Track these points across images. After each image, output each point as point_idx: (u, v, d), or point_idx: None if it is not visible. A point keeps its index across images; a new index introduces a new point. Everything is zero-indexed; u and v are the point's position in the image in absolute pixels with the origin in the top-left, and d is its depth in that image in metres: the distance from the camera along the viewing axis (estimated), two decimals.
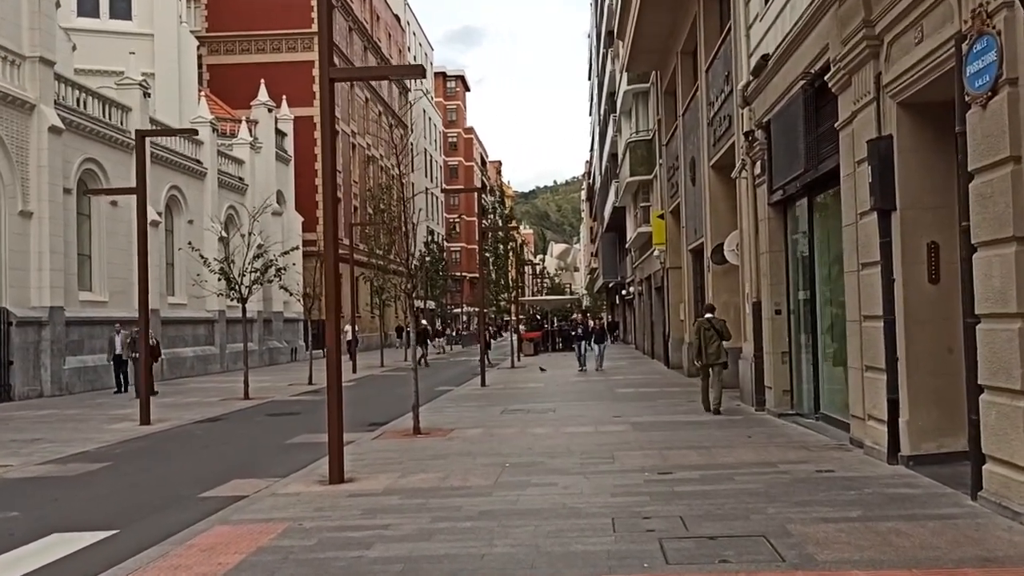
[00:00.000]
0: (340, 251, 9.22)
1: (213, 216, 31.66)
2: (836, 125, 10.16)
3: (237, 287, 21.01)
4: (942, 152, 8.54)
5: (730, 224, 18.34)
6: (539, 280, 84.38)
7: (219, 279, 21.53)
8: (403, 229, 13.35)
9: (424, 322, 40.90)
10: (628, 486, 8.29)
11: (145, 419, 15.93)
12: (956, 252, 8.43)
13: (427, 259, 51.12)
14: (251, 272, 21.30)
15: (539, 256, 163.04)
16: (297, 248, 25.87)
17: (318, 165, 49.39)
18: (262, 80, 41.86)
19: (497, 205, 36.85)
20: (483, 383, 22.76)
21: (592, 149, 79.11)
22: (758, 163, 14.35)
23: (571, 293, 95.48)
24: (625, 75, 34.38)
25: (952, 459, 8.40)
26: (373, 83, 60.12)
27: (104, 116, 26.57)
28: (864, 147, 9.22)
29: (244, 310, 21.50)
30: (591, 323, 29.91)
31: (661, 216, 28.50)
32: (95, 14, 36.89)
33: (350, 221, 41.02)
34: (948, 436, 8.50)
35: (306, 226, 45.85)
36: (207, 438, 14.18)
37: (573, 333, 32.73)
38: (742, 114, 14.91)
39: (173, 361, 29.49)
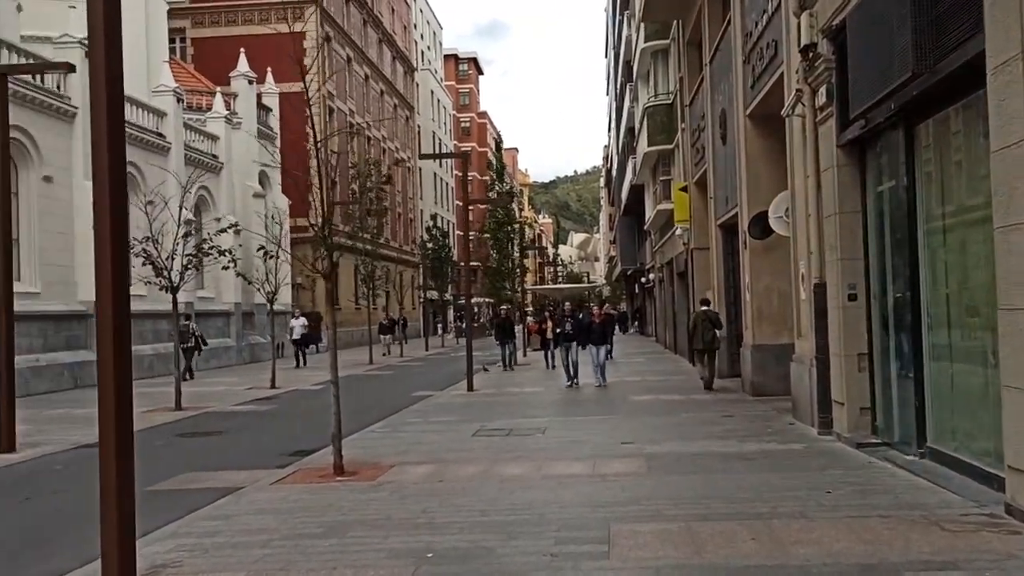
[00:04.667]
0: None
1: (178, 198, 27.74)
2: None
3: (166, 273, 17.13)
4: None
5: (774, 187, 14.28)
6: (554, 269, 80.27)
7: (144, 263, 17.63)
8: (321, 176, 9.42)
9: (504, 308, 34.76)
10: None
11: (8, 445, 12.10)
12: None
13: (429, 246, 47.43)
14: (183, 255, 17.40)
15: (559, 246, 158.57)
16: (235, 226, 21.56)
17: (310, 145, 45.56)
18: (242, 50, 38.02)
19: (497, 183, 32.76)
20: (470, 387, 18.77)
21: (609, 130, 74.83)
22: (822, 89, 10.27)
23: (589, 282, 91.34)
24: (642, 32, 30.21)
25: None
26: (374, 59, 56.16)
27: (36, 79, 22.70)
28: None
29: (175, 301, 17.59)
30: (593, 313, 19.78)
31: (684, 188, 24.41)
32: None
33: (331, 201, 37.15)
34: None
35: (295, 210, 41.99)
36: (52, 480, 10.22)
37: (557, 331, 20.47)
38: (798, 25, 10.78)
39: None
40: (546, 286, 51.90)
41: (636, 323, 59.49)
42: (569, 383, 18.63)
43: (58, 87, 23.76)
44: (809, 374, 11.07)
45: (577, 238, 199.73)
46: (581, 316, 19.89)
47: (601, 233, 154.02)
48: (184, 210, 21.91)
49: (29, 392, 20.32)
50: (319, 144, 9.54)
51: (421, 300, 59.23)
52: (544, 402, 16.22)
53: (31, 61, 22.17)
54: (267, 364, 23.96)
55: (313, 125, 9.97)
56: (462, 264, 66.20)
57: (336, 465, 9.15)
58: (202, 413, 16.58)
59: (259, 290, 22.59)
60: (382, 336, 33.91)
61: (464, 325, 61.26)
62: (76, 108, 24.10)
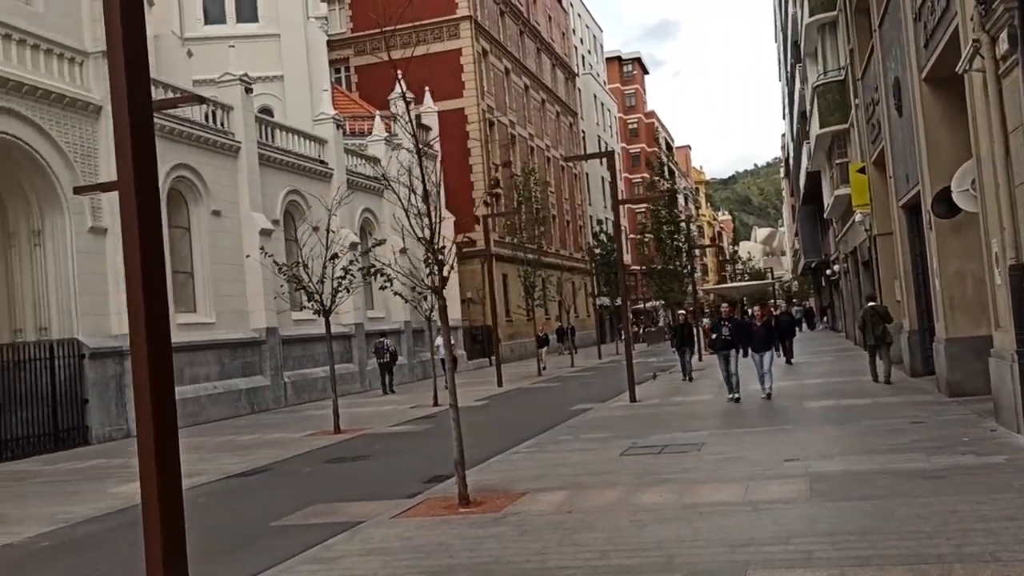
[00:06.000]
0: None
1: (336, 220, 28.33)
2: None
3: (318, 297, 17.21)
4: None
5: (958, 157, 12.43)
6: (732, 266, 77.22)
7: (296, 289, 17.82)
8: (425, 186, 8.81)
9: (681, 312, 32.34)
10: None
11: None
12: None
13: (597, 251, 46.59)
14: (333, 278, 17.42)
15: (740, 243, 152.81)
16: (383, 242, 21.04)
17: (472, 160, 45.94)
18: (399, 72, 38.66)
19: (664, 181, 31.45)
20: (632, 398, 17.72)
21: (784, 117, 71.20)
22: (1003, 35, 8.64)
23: (773, 277, 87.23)
24: (806, 6, 28.10)
25: None
26: (532, 68, 56.04)
27: (200, 117, 23.78)
28: None
29: (328, 324, 17.69)
30: (754, 314, 17.72)
31: (861, 170, 22.30)
32: (222, 20, 35.12)
33: (491, 212, 36.99)
34: None
35: (460, 226, 42.34)
36: (188, 515, 10.11)
37: (714, 336, 17.82)
38: None
39: (300, 384, 26.49)
40: (724, 285, 49.65)
41: (826, 318, 56.05)
42: (731, 396, 16.31)
43: (221, 124, 24.76)
44: (1011, 371, 9.37)
45: (761, 233, 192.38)
46: (751, 315, 18.02)
47: (785, 226, 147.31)
48: (334, 232, 21.81)
49: (208, 419, 21.17)
50: (422, 154, 8.95)
51: (596, 307, 58.41)
52: (709, 413, 14.94)
53: (174, 93, 23.01)
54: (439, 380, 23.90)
55: (415, 135, 9.41)
56: (634, 268, 64.68)
57: (461, 495, 8.48)
58: (359, 436, 16.49)
59: (416, 308, 22.50)
60: (538, 349, 33.22)
61: (642, 331, 59.91)
62: (239, 143, 24.99)
